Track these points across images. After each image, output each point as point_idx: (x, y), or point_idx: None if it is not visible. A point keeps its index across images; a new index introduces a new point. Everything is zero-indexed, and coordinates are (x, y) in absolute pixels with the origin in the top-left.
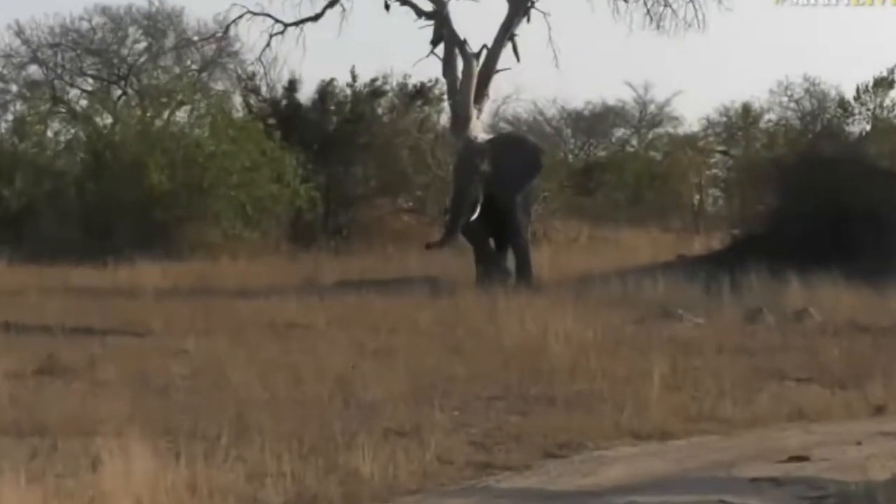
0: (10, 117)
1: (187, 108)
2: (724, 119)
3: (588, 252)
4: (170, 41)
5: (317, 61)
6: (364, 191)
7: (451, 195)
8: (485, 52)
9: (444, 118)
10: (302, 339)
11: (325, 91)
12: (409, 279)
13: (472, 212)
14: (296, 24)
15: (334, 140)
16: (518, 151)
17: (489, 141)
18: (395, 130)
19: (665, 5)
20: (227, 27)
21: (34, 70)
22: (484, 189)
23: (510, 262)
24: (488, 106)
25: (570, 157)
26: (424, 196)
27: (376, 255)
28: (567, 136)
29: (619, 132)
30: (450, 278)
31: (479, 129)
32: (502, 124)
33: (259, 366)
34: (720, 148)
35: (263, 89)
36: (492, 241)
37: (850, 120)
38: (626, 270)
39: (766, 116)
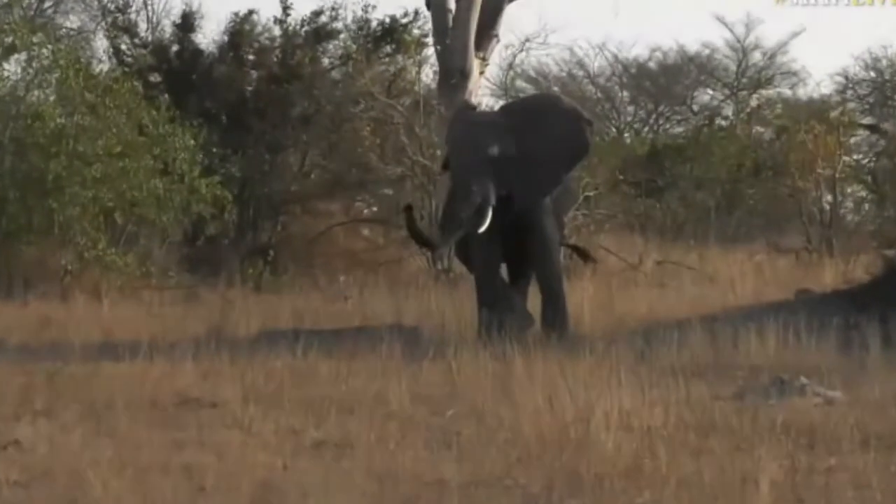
0: None
1: (21, 56)
2: (872, 75)
3: (656, 285)
4: None
5: None
6: (301, 189)
7: (441, 197)
8: None
9: (429, 74)
10: (203, 426)
11: (240, 31)
12: (372, 329)
13: (478, 223)
14: None
15: (255, 109)
16: (549, 124)
17: (503, 109)
18: (350, 93)
19: None
20: None
21: None
22: (496, 185)
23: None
24: (498, 54)
25: (627, 134)
26: (396, 196)
27: (321, 289)
28: (622, 102)
29: (705, 96)
30: (436, 327)
31: (482, 90)
32: (521, 83)
33: (135, 469)
34: (866, 121)
35: (142, 28)
36: (504, 269)
37: None
38: (717, 315)
39: None
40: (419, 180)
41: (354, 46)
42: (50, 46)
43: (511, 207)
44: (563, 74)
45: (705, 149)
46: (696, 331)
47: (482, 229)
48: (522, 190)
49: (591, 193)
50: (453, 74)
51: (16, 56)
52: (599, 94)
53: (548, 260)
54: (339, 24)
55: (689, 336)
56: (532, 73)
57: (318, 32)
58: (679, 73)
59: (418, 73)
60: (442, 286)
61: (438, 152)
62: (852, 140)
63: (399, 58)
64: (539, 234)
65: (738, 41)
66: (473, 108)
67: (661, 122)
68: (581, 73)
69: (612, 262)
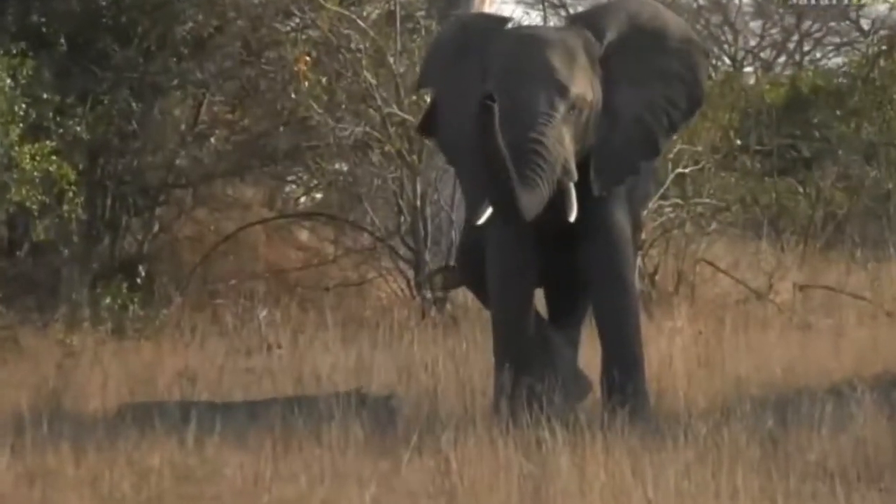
0: None
1: None
2: None
3: (797, 326)
4: None
5: None
6: (194, 163)
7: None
8: None
9: None
10: None
11: None
12: (315, 400)
13: (531, 207)
14: None
15: (114, 26)
16: (653, 59)
17: (575, 24)
18: (271, 1)
19: None
20: None
21: None
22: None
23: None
24: None
25: (750, 69)
26: (355, 174)
27: (227, 333)
28: (740, 14)
29: (882, 5)
30: (423, 396)
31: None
32: None
33: None
34: None
35: None
36: (541, 300)
37: None
38: None
39: None
40: (394, 146)
41: None
42: None
43: (563, 196)
44: None
45: (881, 95)
46: (866, 404)
47: (531, 215)
48: (597, 166)
49: (687, 170)
50: None
51: None
52: (703, 1)
53: (618, 283)
54: None
55: (853, 412)
56: None
57: None
58: None
59: None
60: (432, 327)
61: (426, 100)
62: None
63: None
64: (606, 242)
65: None
66: (504, 21)
67: (806, 48)
68: None
69: (724, 286)
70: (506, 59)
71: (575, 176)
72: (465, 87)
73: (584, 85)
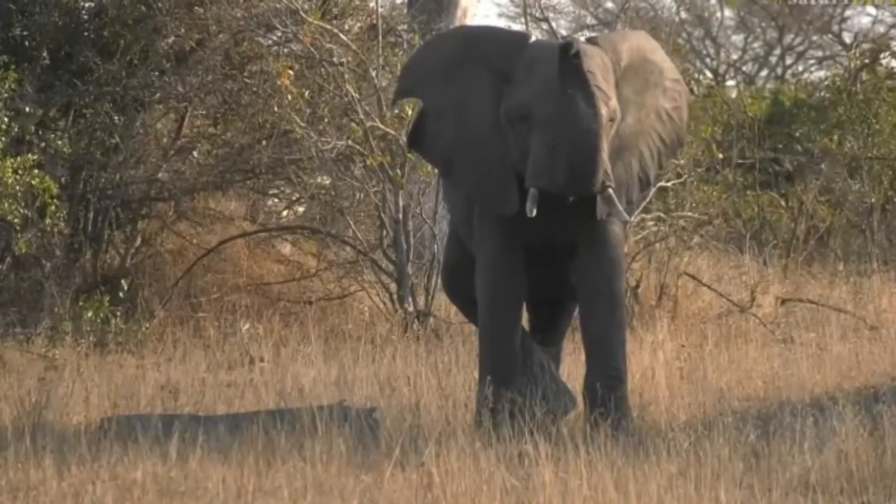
0: None
1: None
2: None
3: (779, 340)
4: None
5: None
6: (176, 177)
7: (455, 198)
8: None
9: None
10: None
11: None
12: (297, 413)
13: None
14: None
15: (96, 39)
16: (652, 89)
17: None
18: (258, 13)
19: None
20: None
21: None
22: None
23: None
24: None
25: (733, 82)
26: (337, 187)
27: (209, 346)
28: (723, 28)
29: (864, 18)
30: (406, 410)
31: (482, 6)
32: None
33: None
34: None
35: None
36: (528, 312)
37: None
38: (883, 391)
39: None
40: (376, 160)
41: None
42: None
43: (557, 210)
44: None
45: (864, 108)
46: (848, 418)
47: (533, 213)
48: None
49: (670, 184)
50: None
51: None
52: (685, 14)
53: (610, 297)
54: None
55: (835, 426)
56: None
57: None
58: None
59: None
60: (415, 340)
61: (409, 111)
62: None
63: None
64: (601, 256)
65: None
66: (525, 35)
67: (789, 61)
68: None
69: (706, 300)
70: (546, 68)
71: (613, 181)
72: (468, 98)
73: (616, 101)
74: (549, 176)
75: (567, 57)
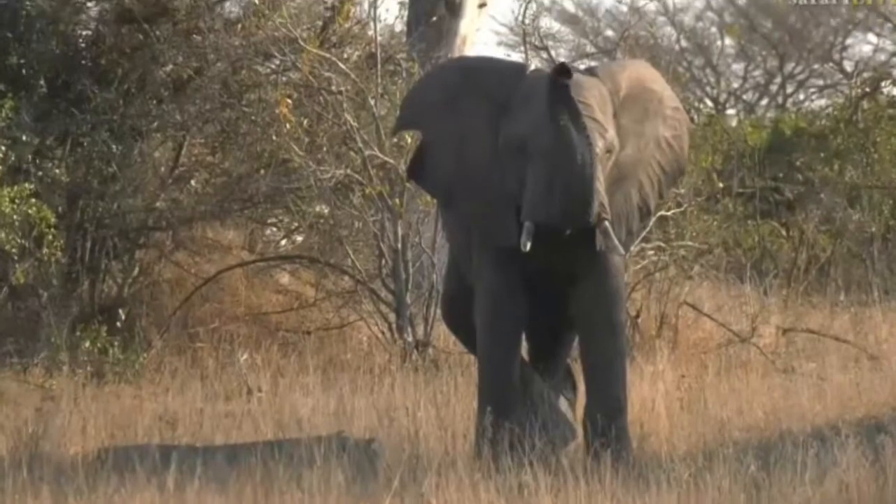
0: None
1: None
2: None
3: (780, 370)
4: None
5: None
6: (174, 206)
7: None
8: None
9: (391, 9)
10: None
11: None
12: (296, 444)
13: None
14: None
15: (94, 67)
16: (653, 119)
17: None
18: (257, 42)
19: None
20: None
21: None
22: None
23: (571, 396)
24: None
25: (733, 111)
26: (336, 219)
27: (207, 377)
28: (723, 56)
29: (865, 46)
30: (405, 440)
31: (483, 34)
32: (550, 24)
33: None
34: None
35: None
36: (527, 341)
37: None
38: (884, 421)
39: None
40: (375, 189)
41: None
42: None
43: (557, 240)
44: (622, 7)
45: (865, 137)
46: (850, 448)
47: (527, 248)
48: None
49: (670, 213)
50: (433, 8)
51: None
52: (685, 43)
53: (611, 327)
54: None
55: (836, 456)
56: (570, 7)
57: None
58: (821, 9)
59: (374, 6)
60: (414, 370)
61: (408, 140)
62: None
63: None
64: (602, 286)
65: None
66: (522, 65)
67: (790, 90)
68: (654, 4)
69: (707, 330)
70: (541, 98)
71: (609, 214)
72: (467, 129)
73: (613, 131)
74: (544, 208)
75: (557, 86)
